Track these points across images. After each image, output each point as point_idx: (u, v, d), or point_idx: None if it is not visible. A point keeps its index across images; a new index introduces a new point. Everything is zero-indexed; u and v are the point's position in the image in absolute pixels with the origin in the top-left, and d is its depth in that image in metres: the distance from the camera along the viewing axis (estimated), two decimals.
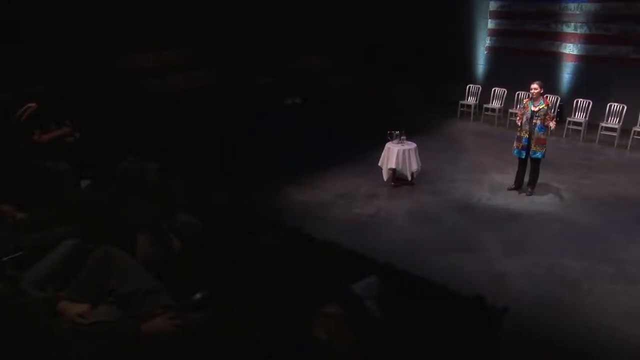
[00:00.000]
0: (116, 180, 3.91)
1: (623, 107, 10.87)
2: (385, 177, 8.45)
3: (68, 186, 4.00)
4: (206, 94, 9.89)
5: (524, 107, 7.91)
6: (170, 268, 3.50)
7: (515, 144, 8.07)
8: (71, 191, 4.04)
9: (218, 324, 2.58)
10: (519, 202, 7.99)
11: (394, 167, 8.24)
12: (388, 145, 8.37)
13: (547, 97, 8.22)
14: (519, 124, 7.89)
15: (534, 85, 7.75)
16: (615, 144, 10.84)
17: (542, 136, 7.79)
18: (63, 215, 3.61)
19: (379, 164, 8.50)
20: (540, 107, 7.68)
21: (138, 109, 8.59)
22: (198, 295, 2.75)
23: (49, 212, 3.64)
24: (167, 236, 3.68)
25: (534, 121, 7.73)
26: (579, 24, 12.16)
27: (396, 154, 8.17)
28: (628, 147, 10.69)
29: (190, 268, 3.50)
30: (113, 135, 7.46)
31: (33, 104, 4.47)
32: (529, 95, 7.98)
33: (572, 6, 12.19)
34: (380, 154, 8.47)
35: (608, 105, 11.08)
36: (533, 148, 7.84)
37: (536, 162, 7.99)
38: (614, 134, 10.87)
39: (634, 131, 10.65)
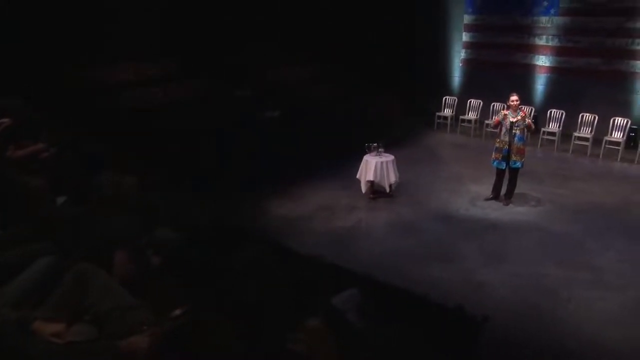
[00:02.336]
0: (93, 195, 3.85)
1: (594, 117, 11.12)
2: (363, 190, 8.47)
3: (43, 202, 3.92)
4: (185, 107, 9.82)
5: (502, 117, 8.02)
6: (149, 284, 3.44)
7: (494, 155, 8.17)
8: (47, 207, 3.96)
9: (198, 338, 2.54)
10: (497, 211, 8.07)
11: (372, 179, 8.27)
12: (366, 157, 8.40)
13: (523, 108, 8.36)
14: (497, 123, 8.01)
15: (514, 97, 7.90)
16: (588, 153, 11.05)
17: (521, 146, 7.92)
18: (38, 232, 3.53)
19: (357, 177, 8.52)
20: (519, 117, 7.82)
21: (116, 122, 8.50)
22: (178, 311, 2.71)
23: (24, 228, 3.56)
24: (146, 252, 3.62)
25: (514, 131, 7.85)
26: (550, 37, 12.44)
27: (374, 166, 8.20)
28: (600, 156, 10.91)
29: (169, 283, 3.45)
30: (91, 149, 7.36)
31: (7, 119, 4.38)
32: (504, 106, 8.11)
33: (543, 19, 12.47)
34: (359, 166, 8.49)
35: (580, 115, 11.32)
36: (513, 158, 7.95)
37: (515, 171, 8.10)
38: (586, 143, 11.09)
39: (606, 140, 10.88)
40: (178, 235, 4.27)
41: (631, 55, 11.41)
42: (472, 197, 8.60)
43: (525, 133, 7.99)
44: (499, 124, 8.00)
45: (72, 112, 7.76)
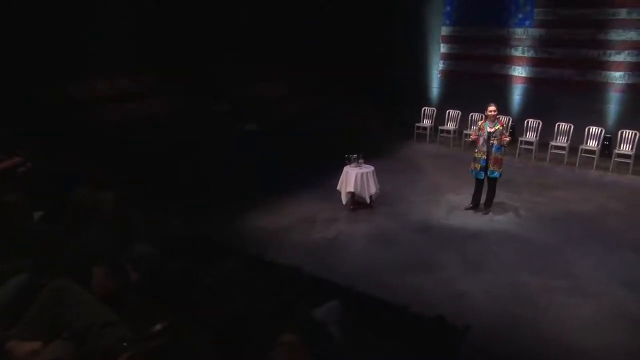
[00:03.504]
0: (70, 210, 3.81)
1: (570, 127, 11.32)
2: (344, 201, 8.49)
3: (20, 218, 3.86)
4: (163, 121, 9.77)
5: (479, 129, 8.13)
6: (128, 300, 3.41)
7: (472, 165, 8.26)
8: (23, 223, 3.90)
9: (178, 354, 2.52)
10: (477, 221, 8.14)
11: (352, 190, 8.29)
12: (346, 168, 8.43)
13: (500, 118, 8.48)
14: (473, 138, 8.10)
15: (492, 107, 8.00)
16: (565, 162, 11.23)
17: (499, 156, 8.02)
18: (14, 249, 3.48)
19: (338, 188, 8.54)
20: (496, 128, 7.92)
21: (93, 136, 8.42)
22: (158, 326, 2.68)
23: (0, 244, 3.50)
24: (124, 267, 3.59)
25: (491, 142, 7.95)
26: (526, 48, 12.66)
27: (354, 178, 8.23)
28: (577, 165, 11.10)
29: (149, 299, 3.41)
30: (67, 164, 7.28)
31: None
32: (482, 117, 8.21)
33: (519, 31, 12.69)
34: (339, 177, 8.52)
35: (556, 124, 11.52)
36: (491, 168, 8.04)
37: (494, 181, 8.20)
38: (563, 152, 11.27)
39: (581, 149, 11.08)
40: (157, 250, 4.24)
41: (603, 66, 11.67)
42: (451, 206, 8.67)
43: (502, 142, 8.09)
44: (477, 137, 8.08)
45: (48, 127, 7.67)
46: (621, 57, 11.44)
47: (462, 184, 9.19)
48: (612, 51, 11.51)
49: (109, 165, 7.53)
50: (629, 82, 11.43)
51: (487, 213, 8.36)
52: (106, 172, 7.13)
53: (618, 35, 11.40)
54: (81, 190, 3.83)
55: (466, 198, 8.63)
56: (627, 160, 10.63)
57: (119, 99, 9.86)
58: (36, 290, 2.98)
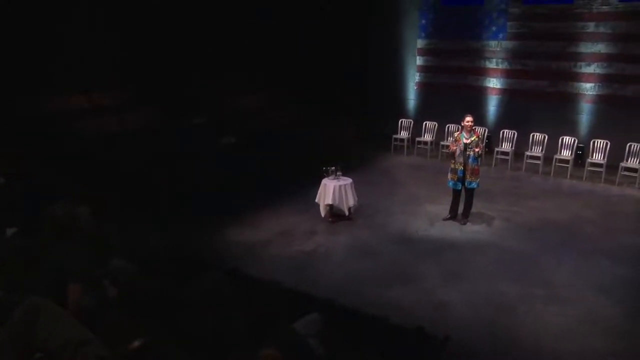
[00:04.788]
0: (46, 226, 3.74)
1: (544, 137, 11.52)
2: (322, 213, 8.49)
3: None
4: (141, 135, 9.68)
5: (455, 140, 8.21)
6: (105, 316, 3.35)
7: (450, 176, 8.33)
8: None
9: None
10: (455, 231, 8.21)
11: (330, 202, 8.30)
12: (324, 181, 8.44)
13: (476, 129, 8.58)
14: (454, 150, 8.15)
15: (469, 118, 8.09)
16: (540, 172, 11.41)
17: (476, 166, 8.11)
18: None
19: (316, 201, 8.53)
20: (472, 139, 8.01)
21: (70, 151, 8.30)
22: (136, 343, 2.64)
23: None
24: (101, 283, 3.53)
25: (468, 153, 8.03)
26: (500, 60, 12.90)
27: (332, 190, 8.24)
28: (551, 174, 11.28)
29: (126, 315, 3.36)
30: (43, 179, 7.17)
31: None
32: (458, 128, 8.29)
33: (493, 44, 12.92)
34: (317, 190, 8.52)
35: (531, 135, 11.71)
36: (468, 179, 8.12)
37: (471, 191, 8.28)
38: (538, 162, 11.45)
39: (556, 159, 11.28)
40: (134, 266, 4.19)
41: (575, 77, 11.95)
42: (430, 217, 8.73)
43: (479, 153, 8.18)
44: (455, 148, 8.15)
45: (23, 141, 7.56)
46: (591, 68, 11.74)
47: (440, 194, 9.27)
48: (583, 63, 11.81)
49: (86, 179, 7.44)
50: (599, 93, 11.73)
51: (465, 223, 8.43)
52: (82, 187, 7.04)
53: (587, 47, 11.71)
54: (57, 205, 3.77)
55: (444, 208, 8.69)
56: (600, 169, 10.84)
57: (96, 113, 9.76)
58: (9, 309, 2.91)
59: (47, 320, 2.77)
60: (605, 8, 11.39)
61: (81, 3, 9.61)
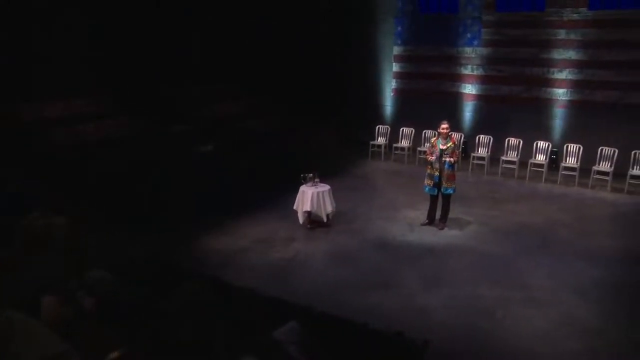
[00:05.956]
0: (19, 237, 3.66)
1: (519, 142, 11.70)
2: (301, 220, 8.47)
3: None
4: (119, 143, 9.56)
5: (432, 146, 8.28)
6: (82, 328, 3.29)
7: (426, 182, 8.39)
8: None
9: None
10: (433, 236, 8.26)
11: (309, 209, 8.29)
12: (302, 188, 8.43)
13: (452, 135, 8.68)
14: (431, 159, 8.21)
15: (444, 125, 8.16)
16: (516, 176, 11.57)
17: (451, 172, 8.18)
18: None
19: (294, 207, 8.51)
20: (448, 145, 8.09)
21: (46, 160, 8.16)
22: (113, 355, 2.60)
23: None
24: (77, 295, 3.47)
25: (443, 159, 8.10)
26: (475, 67, 13.08)
27: (310, 197, 8.23)
28: (527, 179, 11.44)
29: (104, 326, 3.31)
30: (17, 188, 7.03)
31: None
32: (435, 133, 8.36)
33: (468, 50, 13.11)
34: (295, 197, 8.51)
35: (506, 140, 11.88)
36: (444, 185, 8.19)
37: (447, 197, 8.34)
38: (513, 166, 11.61)
39: (531, 163, 11.45)
40: (112, 276, 4.12)
41: (548, 83, 12.20)
42: (408, 223, 8.77)
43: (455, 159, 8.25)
44: (431, 154, 8.21)
45: None
46: (563, 74, 12.00)
47: (418, 200, 9.32)
48: (555, 69, 12.08)
49: (63, 188, 7.32)
50: (571, 98, 11.99)
51: (442, 228, 8.49)
52: (60, 196, 6.92)
53: (559, 54, 11.98)
54: (32, 214, 3.69)
55: (422, 214, 8.75)
56: (573, 173, 11.04)
57: (74, 121, 9.62)
58: None
59: (21, 333, 2.71)
60: (575, 16, 11.68)
61: (57, 9, 9.50)
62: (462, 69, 13.29)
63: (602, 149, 10.89)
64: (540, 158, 11.55)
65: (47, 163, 8.08)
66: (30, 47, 9.06)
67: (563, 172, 11.18)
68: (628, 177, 10.53)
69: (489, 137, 12.12)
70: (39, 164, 7.89)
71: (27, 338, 2.71)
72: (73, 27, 9.75)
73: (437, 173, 8.19)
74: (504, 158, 11.80)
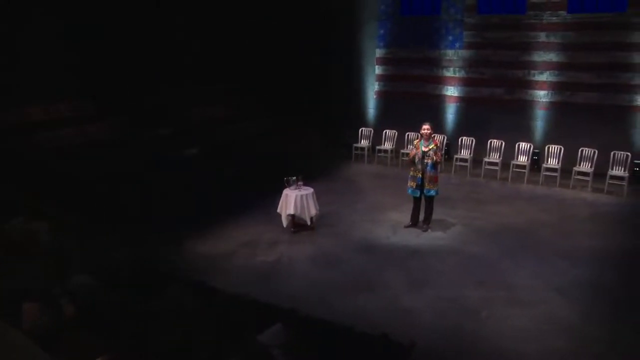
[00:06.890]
0: (1, 243, 3.60)
1: (502, 143, 11.80)
2: (284, 224, 8.44)
3: None
4: (102, 147, 9.45)
5: (414, 147, 8.31)
6: (63, 335, 3.24)
7: (409, 183, 8.42)
8: None
9: None
10: (417, 238, 8.28)
11: (292, 212, 8.26)
12: (285, 191, 8.40)
13: (435, 137, 8.71)
14: (414, 160, 8.23)
15: (426, 126, 8.19)
16: (498, 177, 11.66)
17: (433, 174, 8.21)
18: None
19: (278, 211, 8.48)
20: (430, 147, 8.12)
21: (28, 164, 8.03)
22: None
23: None
24: (58, 301, 3.41)
25: (426, 160, 8.13)
26: (457, 69, 13.18)
27: (294, 200, 8.21)
28: (509, 180, 11.54)
29: (88, 332, 3.26)
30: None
31: None
32: (418, 135, 8.39)
33: (450, 53, 13.22)
34: (279, 200, 8.48)
35: (489, 141, 11.97)
36: (427, 186, 8.21)
37: (430, 199, 8.37)
38: (496, 168, 11.71)
39: (513, 164, 11.55)
40: (95, 281, 4.07)
41: (529, 85, 12.34)
42: (392, 225, 8.78)
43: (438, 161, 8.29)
44: (414, 156, 8.24)
45: None
46: (544, 76, 12.15)
47: (402, 202, 9.34)
48: (536, 71, 12.23)
49: (45, 193, 7.21)
50: (552, 100, 12.14)
51: (426, 230, 8.51)
52: (41, 201, 6.82)
53: (540, 56, 12.12)
54: (13, 220, 3.64)
55: (406, 216, 8.77)
56: (554, 174, 11.16)
57: (55, 125, 9.49)
58: None
59: (1, 342, 2.67)
60: (555, 19, 11.84)
61: (38, 12, 9.38)
62: (444, 71, 13.39)
63: (582, 150, 11.03)
64: (522, 159, 11.66)
65: (29, 167, 7.96)
66: (10, 50, 8.93)
67: (545, 173, 11.30)
68: (608, 177, 10.66)
69: (471, 139, 12.21)
70: (21, 170, 7.77)
71: (6, 346, 2.67)
72: (53, 29, 9.63)
73: (419, 175, 8.22)
74: (486, 159, 11.89)
